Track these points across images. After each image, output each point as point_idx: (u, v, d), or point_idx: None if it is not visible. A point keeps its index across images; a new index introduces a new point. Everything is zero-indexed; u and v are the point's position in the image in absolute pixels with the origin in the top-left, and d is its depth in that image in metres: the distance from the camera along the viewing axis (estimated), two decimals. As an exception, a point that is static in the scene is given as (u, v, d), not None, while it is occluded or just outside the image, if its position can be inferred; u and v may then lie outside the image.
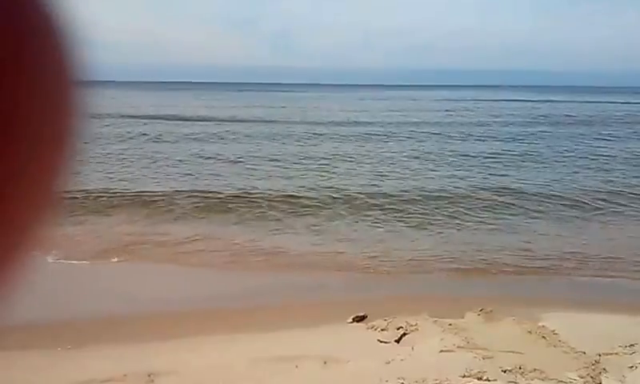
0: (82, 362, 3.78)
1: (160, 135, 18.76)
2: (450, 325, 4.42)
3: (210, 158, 13.97)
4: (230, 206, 8.84)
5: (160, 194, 9.42)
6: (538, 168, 13.19)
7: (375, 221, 8.19)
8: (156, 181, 10.76)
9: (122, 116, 25.23)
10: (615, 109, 39.04)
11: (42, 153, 0.23)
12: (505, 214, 8.77)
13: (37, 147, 0.23)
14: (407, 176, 11.95)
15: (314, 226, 7.86)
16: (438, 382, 3.53)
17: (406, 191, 10.12)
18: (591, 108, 38.92)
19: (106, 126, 20.31)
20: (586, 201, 9.58)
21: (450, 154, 15.31)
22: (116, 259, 6.19)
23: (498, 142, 18.14)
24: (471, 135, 20.36)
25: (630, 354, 4.00)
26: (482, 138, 19.39)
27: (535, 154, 15.54)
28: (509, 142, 18.36)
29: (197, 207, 8.70)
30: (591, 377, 3.68)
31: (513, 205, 9.30)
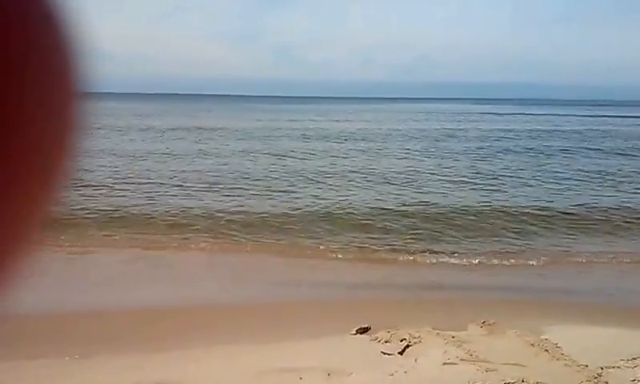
0: (90, 372, 3.82)
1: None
2: (453, 337, 4.44)
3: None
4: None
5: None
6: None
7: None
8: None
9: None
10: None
11: (42, 156, 0.23)
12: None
13: (37, 150, 0.23)
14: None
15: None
16: (441, 394, 3.55)
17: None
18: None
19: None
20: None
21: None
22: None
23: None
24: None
25: (633, 368, 4.01)
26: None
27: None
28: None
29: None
30: (593, 390, 3.70)
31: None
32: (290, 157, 16.96)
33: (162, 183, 11.75)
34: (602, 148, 20.68)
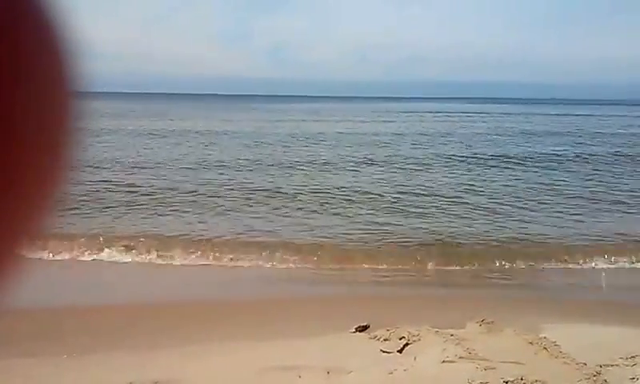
0: (87, 370, 3.80)
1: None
2: (452, 335, 4.43)
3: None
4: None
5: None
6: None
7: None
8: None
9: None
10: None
11: (38, 157, 0.23)
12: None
13: (32, 151, 0.23)
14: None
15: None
16: (440, 392, 3.54)
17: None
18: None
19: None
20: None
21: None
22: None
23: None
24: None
25: (631, 366, 4.01)
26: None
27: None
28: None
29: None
30: (592, 388, 3.70)
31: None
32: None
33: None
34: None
